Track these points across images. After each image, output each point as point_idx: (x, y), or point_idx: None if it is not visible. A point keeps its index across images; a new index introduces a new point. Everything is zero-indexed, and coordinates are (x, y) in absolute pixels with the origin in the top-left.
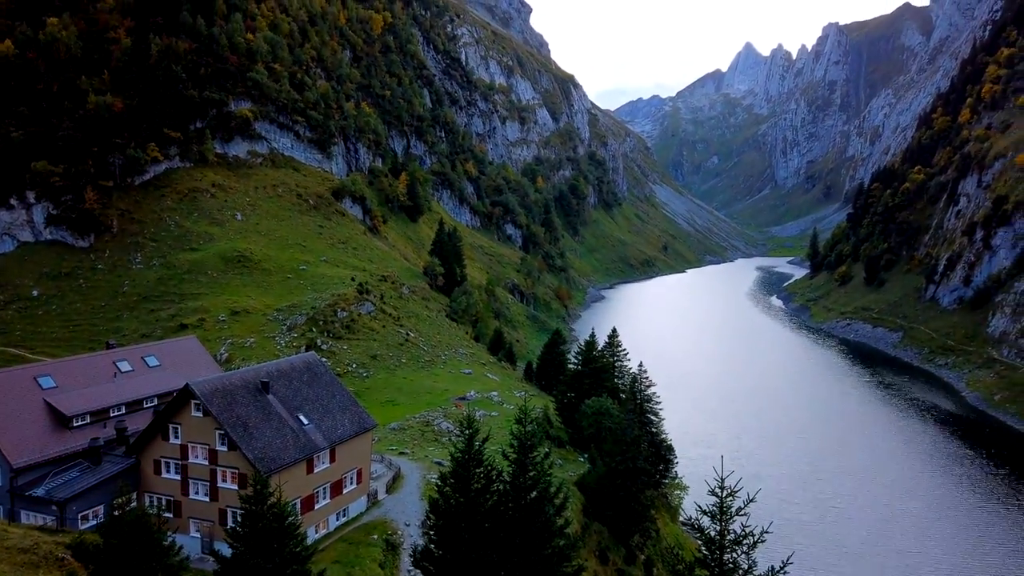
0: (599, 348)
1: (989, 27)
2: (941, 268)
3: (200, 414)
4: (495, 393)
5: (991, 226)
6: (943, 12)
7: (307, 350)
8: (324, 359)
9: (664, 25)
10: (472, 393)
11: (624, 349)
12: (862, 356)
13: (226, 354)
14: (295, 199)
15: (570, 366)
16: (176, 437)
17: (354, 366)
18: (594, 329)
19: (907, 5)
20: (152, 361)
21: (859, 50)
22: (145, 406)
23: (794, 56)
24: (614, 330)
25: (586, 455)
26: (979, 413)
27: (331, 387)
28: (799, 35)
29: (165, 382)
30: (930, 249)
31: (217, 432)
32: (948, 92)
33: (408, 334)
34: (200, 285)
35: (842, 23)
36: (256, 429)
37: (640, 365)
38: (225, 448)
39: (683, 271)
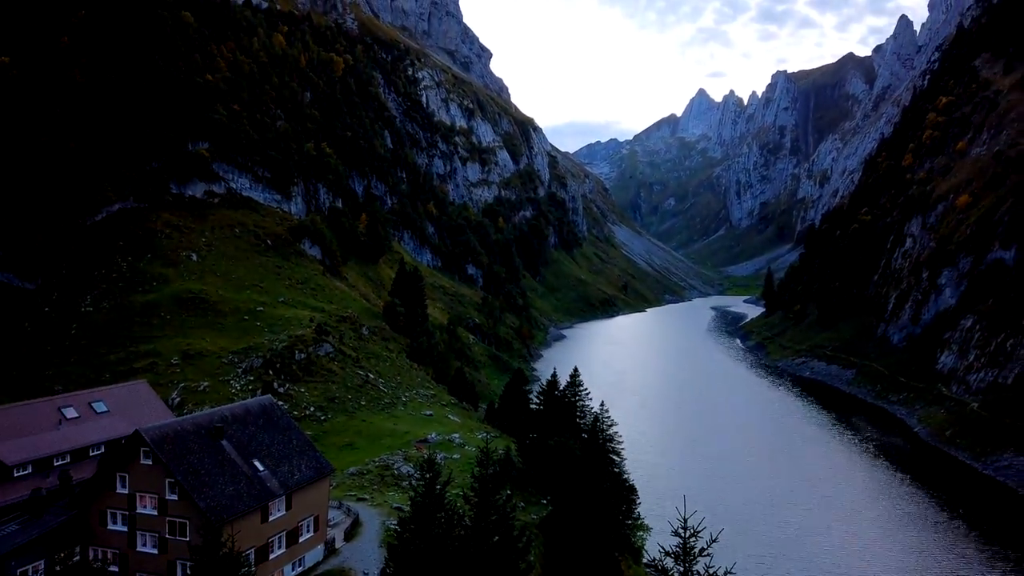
0: (561, 388)
1: (928, 76)
2: (890, 307)
3: (149, 462)
4: (456, 435)
5: (936, 266)
6: (884, 62)
7: (263, 393)
8: (281, 402)
9: (622, 71)
10: (433, 435)
11: (586, 388)
12: (818, 393)
13: (178, 399)
14: (253, 240)
15: (532, 406)
16: (124, 487)
17: (312, 409)
18: (556, 369)
19: (850, 55)
20: (100, 407)
21: (807, 97)
22: (91, 454)
23: (745, 102)
24: (576, 370)
25: (549, 497)
26: (931, 449)
27: (288, 432)
28: (750, 82)
29: (113, 429)
30: (879, 288)
31: (167, 481)
32: (891, 137)
33: (368, 376)
34: (152, 328)
35: (790, 71)
36: (209, 477)
37: (602, 404)
38: (176, 497)
39: (643, 310)
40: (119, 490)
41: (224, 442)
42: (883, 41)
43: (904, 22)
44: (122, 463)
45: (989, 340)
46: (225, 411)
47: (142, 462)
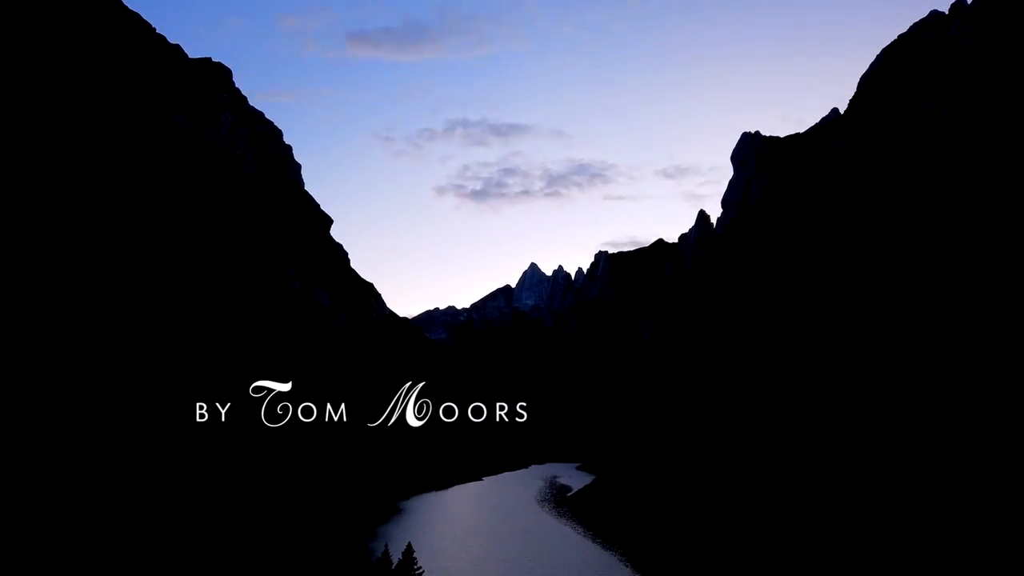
0: (394, 566)
1: (721, 268)
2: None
3: None
4: None
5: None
6: (688, 249)
7: None
8: None
9: (456, 243)
10: None
11: (420, 567)
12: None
13: None
14: None
15: None
16: None
17: None
18: (387, 545)
19: (660, 241)
20: None
21: (626, 275)
22: None
23: (573, 276)
24: (409, 546)
25: None
26: None
27: None
28: (576, 257)
29: None
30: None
31: None
32: (698, 314)
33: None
34: None
35: (610, 251)
36: None
37: None
38: None
39: (480, 479)
40: None
41: None
42: (687, 230)
43: (703, 215)
44: None
45: None
46: None
47: None
